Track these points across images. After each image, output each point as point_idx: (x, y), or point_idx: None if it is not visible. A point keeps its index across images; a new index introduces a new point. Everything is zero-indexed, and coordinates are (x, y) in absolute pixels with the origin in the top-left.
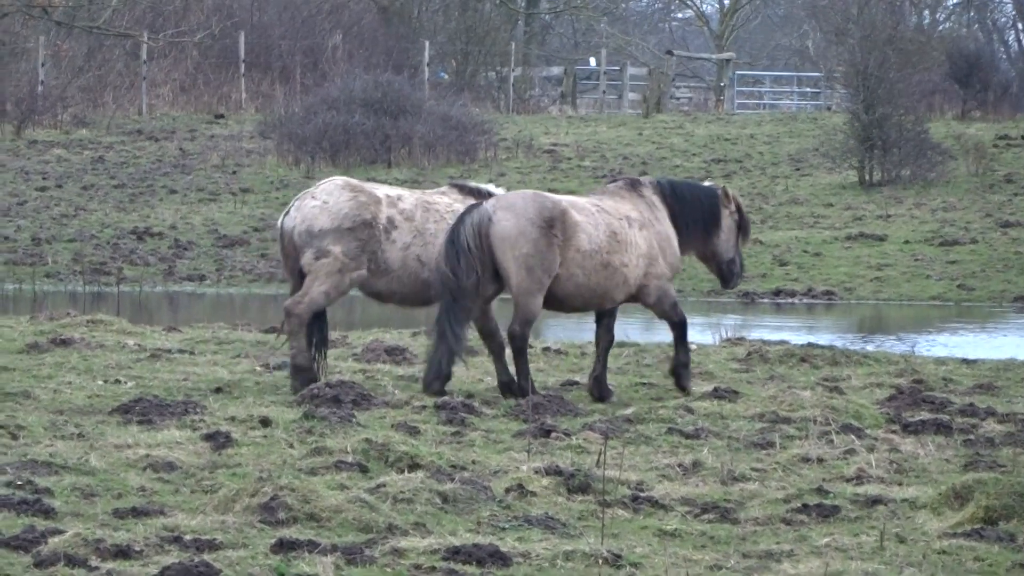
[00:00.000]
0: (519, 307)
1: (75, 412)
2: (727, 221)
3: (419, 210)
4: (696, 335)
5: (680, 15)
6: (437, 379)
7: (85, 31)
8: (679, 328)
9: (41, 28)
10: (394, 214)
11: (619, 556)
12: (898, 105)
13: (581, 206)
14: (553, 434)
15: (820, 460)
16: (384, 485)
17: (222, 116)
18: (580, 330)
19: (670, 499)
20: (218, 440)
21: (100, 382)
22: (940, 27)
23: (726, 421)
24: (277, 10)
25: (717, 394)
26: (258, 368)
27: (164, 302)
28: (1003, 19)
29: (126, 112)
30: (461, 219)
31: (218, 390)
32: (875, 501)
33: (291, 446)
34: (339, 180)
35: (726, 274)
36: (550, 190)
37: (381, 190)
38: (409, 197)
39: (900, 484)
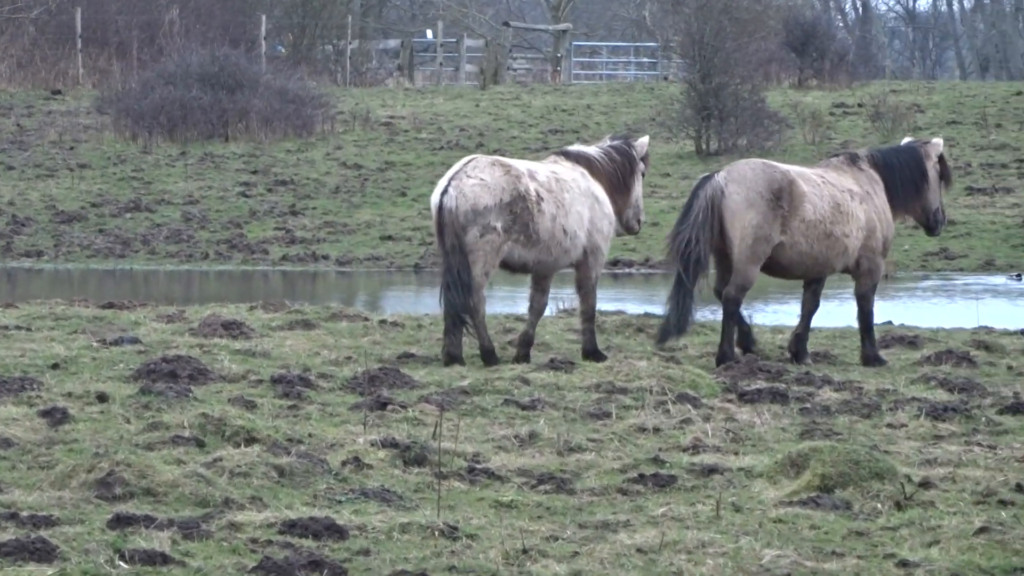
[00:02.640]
0: (738, 273)
1: None
2: (932, 174)
3: (553, 182)
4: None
5: None
6: (664, 335)
7: None
8: (868, 317)
9: None
10: (537, 187)
11: (455, 528)
12: (734, 74)
13: (808, 177)
14: (389, 407)
15: (656, 430)
16: (221, 459)
17: (59, 92)
18: (417, 304)
19: (506, 470)
20: (55, 416)
21: None
22: None
23: (562, 392)
24: None
25: (553, 365)
26: (95, 344)
27: (1, 278)
28: None
29: None
30: (695, 193)
31: (55, 366)
32: (711, 470)
33: (128, 421)
34: (484, 157)
35: (932, 223)
36: (386, 163)
37: (521, 164)
38: (542, 170)
39: (736, 453)
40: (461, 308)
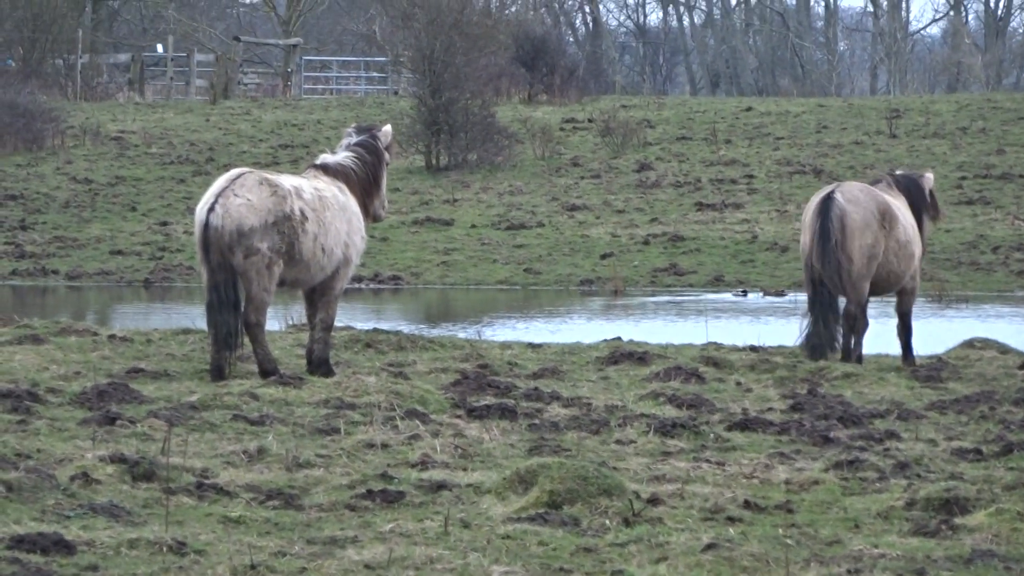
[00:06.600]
0: (856, 291)
1: None
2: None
3: (316, 200)
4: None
5: (248, 0)
6: (818, 350)
7: None
8: (909, 331)
9: None
10: (303, 206)
11: (183, 544)
12: (464, 89)
13: (894, 201)
14: (118, 421)
15: (385, 446)
16: None
17: None
18: (146, 319)
19: (235, 486)
20: None
21: None
22: (507, 10)
23: (291, 407)
24: None
25: (282, 380)
26: None
27: None
28: (570, 2)
29: None
30: (827, 215)
31: None
32: (440, 486)
33: None
34: (252, 174)
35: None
36: (117, 178)
37: (288, 182)
38: (307, 187)
39: (465, 469)
40: (225, 325)
